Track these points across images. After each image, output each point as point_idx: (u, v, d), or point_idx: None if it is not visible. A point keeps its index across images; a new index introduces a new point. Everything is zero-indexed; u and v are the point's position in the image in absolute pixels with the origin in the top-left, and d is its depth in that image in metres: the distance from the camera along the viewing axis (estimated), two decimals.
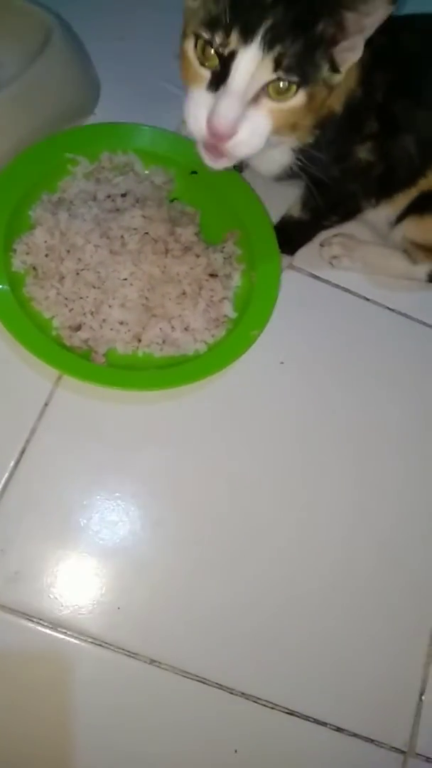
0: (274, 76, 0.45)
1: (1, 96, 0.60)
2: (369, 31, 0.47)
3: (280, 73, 0.45)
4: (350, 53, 0.48)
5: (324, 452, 0.64)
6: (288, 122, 0.48)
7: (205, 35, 0.45)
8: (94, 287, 0.61)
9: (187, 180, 0.68)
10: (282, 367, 0.66)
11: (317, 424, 0.65)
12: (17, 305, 0.58)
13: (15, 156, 0.62)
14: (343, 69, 0.49)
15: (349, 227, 0.70)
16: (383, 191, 0.63)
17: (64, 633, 0.54)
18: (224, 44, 0.44)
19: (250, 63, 0.44)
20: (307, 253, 0.70)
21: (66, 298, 0.61)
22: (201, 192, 0.68)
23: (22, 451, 0.58)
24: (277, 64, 0.45)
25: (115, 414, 0.61)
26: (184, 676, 0.55)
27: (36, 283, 0.61)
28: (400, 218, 0.65)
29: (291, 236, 0.67)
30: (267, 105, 0.46)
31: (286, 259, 0.68)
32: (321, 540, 0.61)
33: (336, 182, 0.58)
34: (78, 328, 0.61)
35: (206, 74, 0.46)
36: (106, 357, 0.60)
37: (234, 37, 0.44)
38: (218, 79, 0.45)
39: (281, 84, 0.46)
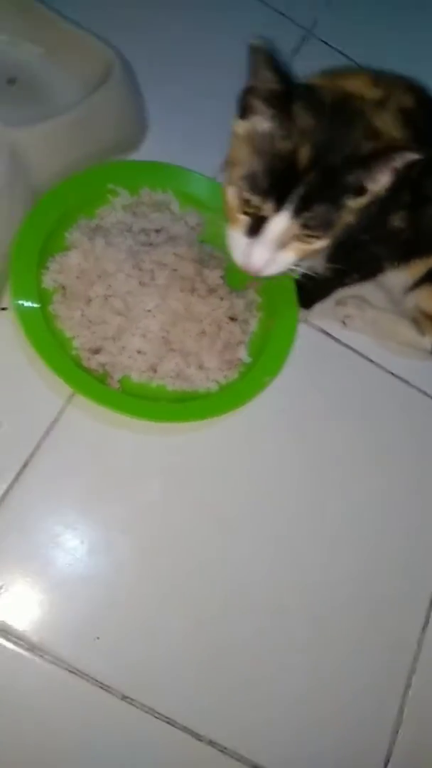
0: (300, 233, 0.52)
1: (61, 119, 0.62)
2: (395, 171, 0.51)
3: (307, 231, 0.52)
4: (377, 185, 0.52)
5: (315, 504, 0.66)
6: (313, 252, 0.55)
7: (246, 195, 0.52)
8: (119, 314, 0.62)
9: (218, 225, 0.71)
10: (285, 415, 0.68)
11: (312, 475, 0.67)
12: (43, 321, 0.59)
13: (62, 178, 0.65)
14: (369, 194, 0.52)
15: (364, 291, 0.74)
16: (405, 256, 0.67)
17: (41, 656, 0.53)
18: (260, 209, 0.52)
19: (280, 225, 0.52)
20: (320, 310, 0.73)
21: (90, 321, 0.62)
22: None
23: (24, 465, 0.58)
24: (304, 226, 0.52)
25: (120, 440, 0.61)
26: (154, 716, 0.54)
27: (63, 302, 0.62)
28: (415, 285, 0.69)
29: (311, 291, 0.70)
30: (294, 246, 0.54)
31: (302, 313, 0.71)
32: (309, 586, 0.62)
33: (364, 245, 0.62)
34: (97, 351, 0.62)
35: (244, 220, 0.54)
36: (120, 383, 0.62)
37: (268, 205, 0.51)
38: (253, 229, 0.53)
39: (306, 237, 0.53)
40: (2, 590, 0.54)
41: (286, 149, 0.50)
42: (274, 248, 0.53)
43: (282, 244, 0.53)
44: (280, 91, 0.50)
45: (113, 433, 0.61)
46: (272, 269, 0.55)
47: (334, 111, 0.52)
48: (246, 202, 0.52)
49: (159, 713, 0.54)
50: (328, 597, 0.62)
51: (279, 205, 0.51)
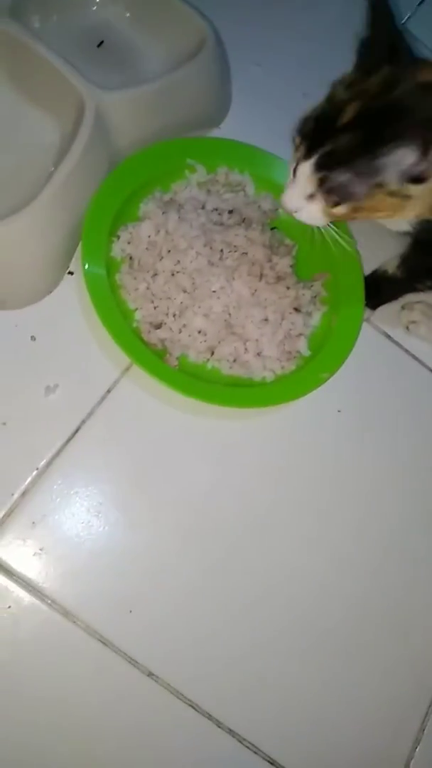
0: (317, 189, 0.51)
1: (149, 87, 0.61)
2: None
3: (321, 191, 0.51)
4: None
5: (355, 509, 0.64)
6: (345, 218, 0.53)
7: (295, 137, 0.52)
8: (184, 291, 0.61)
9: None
10: (338, 416, 0.66)
11: (356, 480, 0.65)
12: (108, 289, 0.59)
13: (141, 147, 0.64)
14: (428, 183, 0.49)
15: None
16: None
17: (73, 621, 0.53)
18: (297, 151, 0.52)
19: (304, 173, 0.51)
20: (385, 312, 0.71)
21: (154, 295, 0.61)
22: (301, 227, 0.69)
23: (75, 431, 0.58)
24: (320, 183, 0.51)
25: (170, 419, 0.61)
26: (177, 697, 0.54)
27: (130, 273, 0.61)
28: None
29: (379, 291, 0.68)
30: (319, 204, 0.53)
31: (366, 312, 0.69)
32: (347, 588, 0.61)
33: None
34: (158, 326, 0.61)
35: (293, 161, 0.53)
36: (178, 361, 0.61)
37: (300, 150, 0.51)
38: (294, 171, 0.53)
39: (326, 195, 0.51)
40: (42, 553, 0.54)
41: (341, 100, 0.49)
42: (303, 195, 0.52)
43: (309, 195, 0.52)
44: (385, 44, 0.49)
45: (164, 410, 0.60)
46: (303, 216, 0.54)
47: (410, 91, 0.48)
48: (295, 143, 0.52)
49: (182, 695, 0.54)
50: (365, 601, 0.61)
51: (308, 153, 0.50)
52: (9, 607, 0.52)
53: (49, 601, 0.53)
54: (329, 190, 0.50)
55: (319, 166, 0.50)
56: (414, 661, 0.61)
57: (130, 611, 0.54)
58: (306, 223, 0.55)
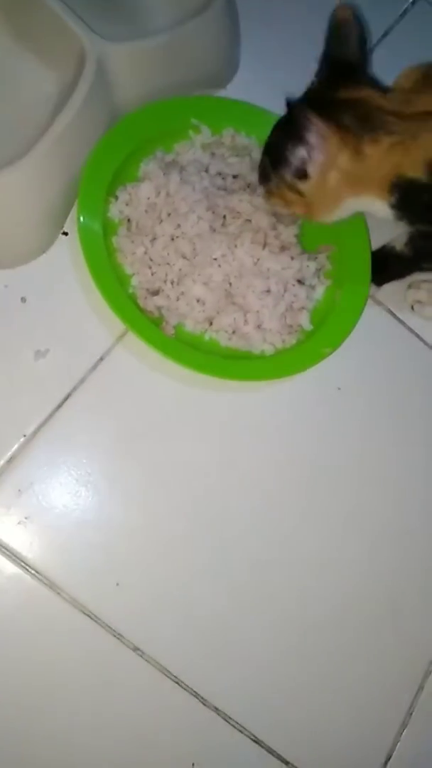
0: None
1: (153, 40, 0.58)
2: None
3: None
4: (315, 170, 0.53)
5: (353, 490, 0.62)
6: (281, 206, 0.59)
7: None
8: (184, 258, 0.59)
9: None
10: (338, 393, 0.64)
11: (354, 459, 0.63)
12: (104, 252, 0.56)
13: (143, 104, 0.61)
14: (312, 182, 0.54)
15: None
16: None
17: (58, 593, 0.51)
18: None
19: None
20: (391, 290, 0.69)
21: (152, 260, 0.59)
22: None
23: (66, 398, 0.55)
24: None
25: (164, 388, 0.59)
26: (163, 673, 0.52)
27: (127, 236, 0.59)
28: None
29: (385, 268, 0.66)
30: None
31: (372, 289, 0.66)
32: (338, 571, 0.59)
33: None
34: (156, 293, 0.59)
35: None
36: (175, 330, 0.58)
37: None
38: None
39: None
40: (27, 521, 0.52)
41: None
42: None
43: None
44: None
45: (159, 380, 0.58)
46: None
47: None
48: None
49: (168, 671, 0.52)
50: (364, 582, 0.60)
51: None
52: None
53: (33, 572, 0.51)
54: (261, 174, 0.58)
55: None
56: (403, 645, 0.60)
57: (117, 584, 0.53)
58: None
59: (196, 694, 0.53)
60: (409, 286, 0.69)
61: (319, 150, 0.52)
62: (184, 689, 0.53)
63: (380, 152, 0.52)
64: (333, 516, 0.61)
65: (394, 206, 0.55)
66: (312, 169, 0.53)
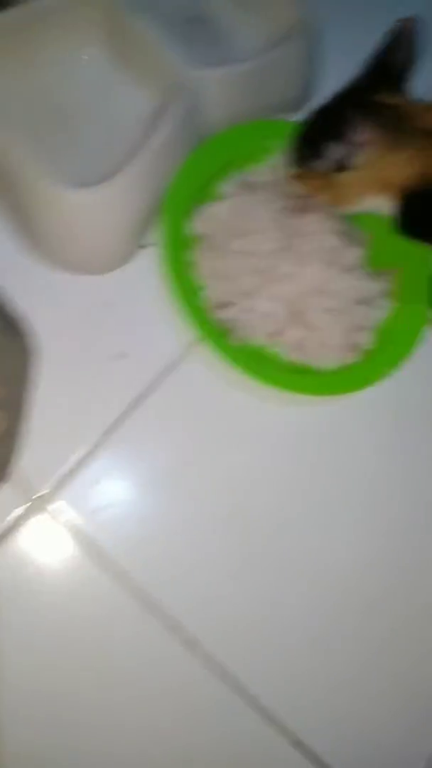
0: None
1: (242, 67, 0.61)
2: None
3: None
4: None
5: (395, 519, 0.64)
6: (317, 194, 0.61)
7: None
8: (255, 274, 0.62)
9: None
10: (392, 414, 0.66)
11: (408, 483, 0.65)
12: (181, 265, 0.60)
13: (227, 127, 0.64)
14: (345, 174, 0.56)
15: None
16: None
17: (127, 582, 0.56)
18: None
19: None
20: None
21: (224, 275, 0.62)
22: (376, 219, 0.68)
23: (137, 400, 0.59)
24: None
25: (231, 399, 0.62)
26: (211, 669, 0.56)
27: (202, 251, 0.62)
28: None
29: None
30: None
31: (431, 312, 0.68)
32: (383, 582, 0.61)
33: None
34: (225, 306, 0.62)
35: None
36: (241, 342, 0.62)
37: None
38: None
39: None
40: (100, 511, 0.56)
41: None
42: None
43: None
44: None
45: (226, 390, 0.62)
46: None
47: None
48: None
49: (217, 662, 0.56)
50: (404, 594, 0.62)
51: None
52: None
53: (98, 559, 0.56)
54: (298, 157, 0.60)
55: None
56: None
57: (172, 576, 0.56)
58: None
59: (241, 692, 0.56)
60: None
61: (362, 149, 0.55)
62: (227, 685, 0.56)
63: (402, 160, 0.55)
64: (380, 535, 0.63)
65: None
66: (350, 165, 0.56)
